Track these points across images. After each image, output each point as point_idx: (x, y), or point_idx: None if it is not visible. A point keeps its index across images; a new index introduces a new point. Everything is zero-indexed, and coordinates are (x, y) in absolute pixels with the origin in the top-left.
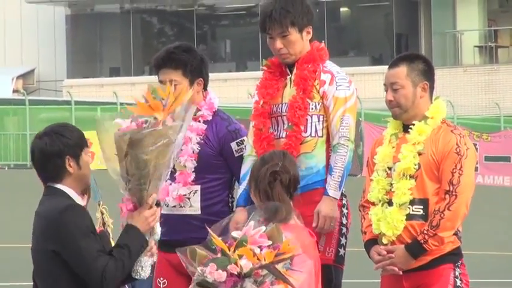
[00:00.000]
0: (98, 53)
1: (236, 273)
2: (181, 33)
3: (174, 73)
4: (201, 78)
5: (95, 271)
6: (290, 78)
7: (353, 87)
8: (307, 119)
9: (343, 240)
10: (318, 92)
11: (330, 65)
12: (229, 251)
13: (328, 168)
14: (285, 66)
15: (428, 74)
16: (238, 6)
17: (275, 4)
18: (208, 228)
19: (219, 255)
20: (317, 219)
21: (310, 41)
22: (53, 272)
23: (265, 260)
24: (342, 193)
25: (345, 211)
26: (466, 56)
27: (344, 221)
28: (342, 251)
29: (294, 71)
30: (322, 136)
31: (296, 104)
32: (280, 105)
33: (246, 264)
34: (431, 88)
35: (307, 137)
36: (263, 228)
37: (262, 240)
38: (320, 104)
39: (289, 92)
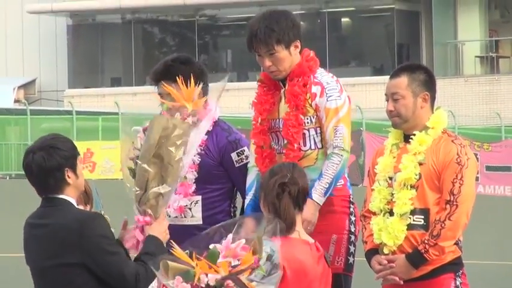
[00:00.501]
0: (100, 63)
1: (204, 285)
2: (183, 43)
3: (172, 86)
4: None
5: (129, 276)
6: (283, 92)
7: (344, 96)
8: (304, 134)
9: (352, 248)
10: (311, 106)
11: (320, 74)
12: (195, 261)
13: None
14: (278, 80)
15: (430, 85)
16: (240, 17)
17: (260, 23)
18: (172, 242)
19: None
20: None
21: (301, 49)
22: (75, 285)
23: (221, 271)
24: (349, 201)
25: (353, 219)
26: (467, 66)
27: (352, 229)
28: (351, 259)
29: (286, 85)
30: (321, 147)
31: (290, 122)
32: (277, 120)
33: (211, 277)
34: (433, 98)
35: (307, 150)
36: (243, 241)
37: (241, 253)
38: (315, 117)
39: (284, 107)
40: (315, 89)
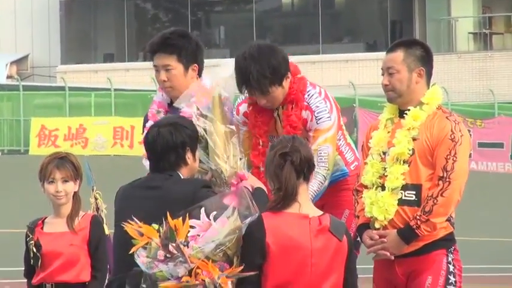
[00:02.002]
0: (92, 39)
1: (163, 258)
2: (176, 19)
3: (168, 58)
4: (196, 64)
5: None
6: (277, 114)
7: (334, 115)
8: None
9: None
10: (305, 129)
11: (309, 95)
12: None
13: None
14: None
15: (426, 60)
16: None
17: (251, 67)
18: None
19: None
20: None
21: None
22: None
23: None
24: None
25: None
26: (460, 42)
27: None
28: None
29: (280, 110)
30: None
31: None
32: (276, 138)
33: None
34: (429, 74)
35: None
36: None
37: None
38: (306, 136)
39: (281, 129)
40: (305, 114)
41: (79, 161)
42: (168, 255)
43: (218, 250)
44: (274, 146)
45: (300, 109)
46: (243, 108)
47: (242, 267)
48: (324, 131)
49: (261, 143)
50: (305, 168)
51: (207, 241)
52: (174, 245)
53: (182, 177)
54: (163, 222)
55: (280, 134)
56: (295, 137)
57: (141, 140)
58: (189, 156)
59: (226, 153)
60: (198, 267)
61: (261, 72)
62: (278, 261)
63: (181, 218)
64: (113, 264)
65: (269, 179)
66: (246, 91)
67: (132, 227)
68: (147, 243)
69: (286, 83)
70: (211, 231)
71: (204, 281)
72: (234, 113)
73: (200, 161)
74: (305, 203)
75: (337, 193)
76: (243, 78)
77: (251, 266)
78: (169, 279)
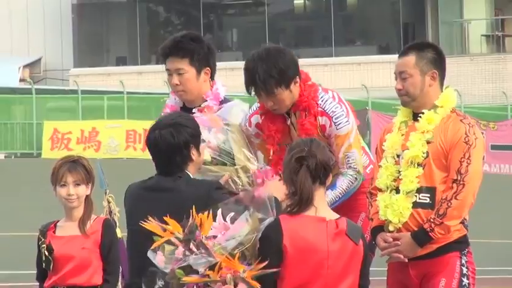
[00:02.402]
0: (105, 42)
1: (182, 256)
2: (188, 22)
3: (181, 62)
4: (208, 68)
5: None
6: (291, 122)
7: (351, 118)
8: None
9: None
10: (324, 135)
11: (323, 101)
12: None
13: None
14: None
15: (438, 63)
16: None
17: (258, 66)
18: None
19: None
20: None
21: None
22: None
23: (175, 232)
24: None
25: None
26: (473, 45)
27: None
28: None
29: (292, 115)
30: None
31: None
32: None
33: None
34: (442, 77)
35: None
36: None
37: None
38: (326, 142)
39: (296, 136)
40: (323, 121)
41: (92, 164)
42: (187, 252)
43: (237, 250)
44: (292, 148)
45: (313, 116)
46: (255, 119)
47: (266, 263)
48: (346, 137)
49: (271, 153)
50: (321, 173)
51: (228, 238)
52: (195, 242)
53: (192, 177)
54: (184, 219)
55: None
56: (314, 140)
57: None
58: (193, 152)
59: (251, 153)
60: (221, 264)
61: (267, 72)
62: (295, 264)
63: (206, 213)
64: (128, 268)
65: (285, 182)
66: (253, 93)
67: (154, 224)
68: (166, 241)
69: (294, 88)
70: (233, 228)
71: (227, 276)
72: (246, 124)
73: (209, 163)
74: (321, 207)
75: (354, 196)
76: (250, 78)
77: (269, 268)
78: (188, 275)
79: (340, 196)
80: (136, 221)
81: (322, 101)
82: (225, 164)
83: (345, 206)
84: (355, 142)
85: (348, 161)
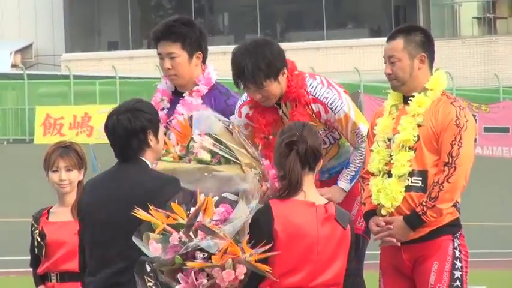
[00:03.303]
0: (96, 27)
1: (177, 242)
2: (179, 6)
3: (173, 46)
4: (200, 52)
5: None
6: (282, 112)
7: (345, 98)
8: (323, 140)
9: None
10: (320, 122)
11: (312, 88)
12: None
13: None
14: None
15: (427, 46)
16: None
17: (246, 59)
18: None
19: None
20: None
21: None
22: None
23: (179, 218)
24: None
25: None
26: (464, 27)
27: None
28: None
29: (283, 106)
30: (340, 137)
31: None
32: None
33: (175, 236)
34: (431, 59)
35: (329, 146)
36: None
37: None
38: (327, 125)
39: None
40: (317, 108)
41: (84, 149)
42: (184, 238)
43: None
44: (283, 132)
45: (302, 106)
46: (245, 110)
47: (270, 245)
48: (347, 117)
49: (260, 147)
50: (310, 159)
51: (226, 223)
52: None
53: (150, 166)
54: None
55: None
56: (306, 124)
57: None
58: (151, 138)
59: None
60: (227, 248)
61: (255, 65)
62: (285, 249)
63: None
64: (89, 262)
65: (275, 165)
66: (242, 86)
67: (159, 212)
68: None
69: (282, 79)
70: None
71: (227, 261)
72: (236, 115)
73: (209, 162)
74: (310, 192)
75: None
76: (239, 72)
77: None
78: (185, 264)
79: (356, 170)
80: (92, 215)
81: (311, 88)
82: (227, 161)
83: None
84: (357, 118)
85: (358, 136)
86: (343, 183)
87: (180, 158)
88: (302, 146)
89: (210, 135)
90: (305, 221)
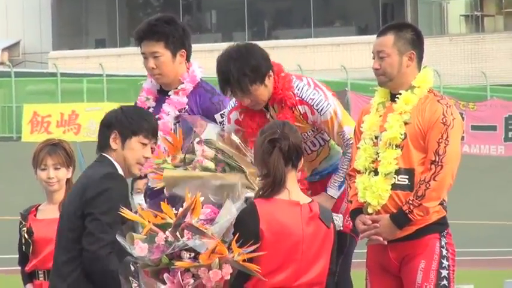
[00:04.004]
0: (84, 25)
1: (164, 242)
2: (167, 4)
3: (156, 45)
4: (184, 50)
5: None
6: (270, 115)
7: (331, 100)
8: (312, 141)
9: None
10: (307, 123)
11: (299, 89)
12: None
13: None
14: None
15: (417, 44)
16: None
17: (230, 65)
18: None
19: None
20: None
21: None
22: (75, 234)
23: (167, 218)
24: None
25: None
26: (452, 25)
27: None
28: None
29: (270, 108)
30: (329, 140)
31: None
32: None
33: (160, 236)
34: (420, 58)
35: (318, 148)
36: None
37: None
38: (314, 127)
39: None
40: (303, 109)
41: (72, 147)
42: (170, 238)
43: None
44: (264, 131)
45: (289, 108)
46: (234, 116)
47: (258, 245)
48: (333, 119)
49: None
50: (293, 156)
51: (213, 223)
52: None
53: (115, 165)
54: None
55: None
56: (286, 123)
57: None
58: (115, 140)
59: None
60: (215, 248)
61: (240, 71)
62: (270, 248)
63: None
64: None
65: (257, 164)
66: (229, 93)
67: (147, 211)
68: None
69: (269, 82)
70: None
71: (214, 261)
72: (225, 122)
73: (214, 170)
74: (294, 190)
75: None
76: (225, 79)
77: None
78: (172, 263)
79: (344, 176)
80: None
81: (298, 89)
82: (232, 169)
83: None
84: (344, 119)
85: (343, 138)
86: (332, 190)
87: (187, 164)
88: (285, 143)
89: (209, 142)
90: (290, 220)
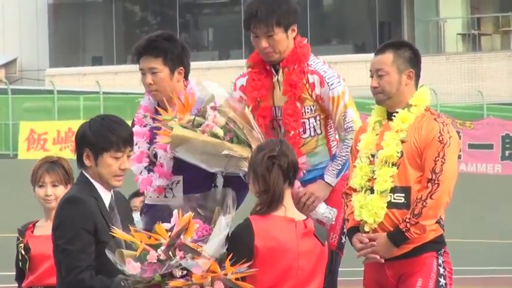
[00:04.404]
0: (81, 42)
1: (156, 261)
2: (164, 21)
3: (154, 61)
4: (182, 67)
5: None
6: (277, 79)
7: (342, 80)
8: (304, 122)
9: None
10: (311, 96)
11: (314, 62)
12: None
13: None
14: (270, 66)
15: (415, 62)
16: None
17: (260, 3)
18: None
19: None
20: (303, 192)
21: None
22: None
23: (160, 238)
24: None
25: None
26: (449, 43)
27: None
28: (343, 239)
29: (280, 72)
30: (321, 133)
31: (289, 111)
32: (273, 108)
33: (152, 255)
34: (417, 76)
35: (307, 137)
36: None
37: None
38: (315, 105)
39: (280, 95)
40: (312, 79)
41: (70, 164)
42: (162, 256)
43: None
44: (262, 148)
45: (302, 70)
46: (240, 82)
47: (250, 263)
48: (340, 97)
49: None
50: (291, 173)
51: (207, 241)
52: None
53: (87, 182)
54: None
55: (276, 103)
56: (283, 141)
57: None
58: (88, 158)
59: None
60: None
61: (270, 8)
62: (266, 265)
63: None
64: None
65: (254, 180)
66: (251, 29)
67: (140, 233)
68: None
69: (290, 35)
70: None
71: (206, 279)
72: (232, 89)
73: (222, 138)
74: (290, 207)
75: (337, 193)
76: (253, 13)
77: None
78: (164, 281)
79: (342, 164)
80: None
81: (313, 61)
82: (240, 142)
83: (330, 202)
84: (349, 102)
85: (345, 120)
86: (330, 178)
87: (196, 126)
88: (284, 160)
89: (222, 111)
90: (285, 237)
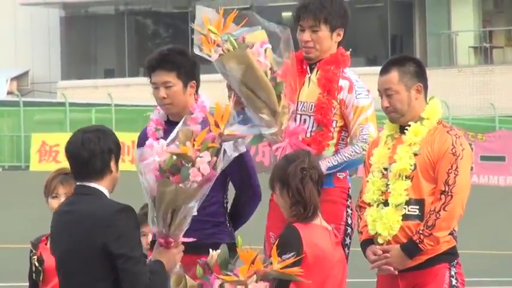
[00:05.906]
0: (93, 55)
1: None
2: (176, 34)
3: (167, 75)
4: (194, 81)
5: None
6: (309, 77)
7: (371, 96)
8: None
9: (347, 240)
10: (335, 98)
11: (349, 71)
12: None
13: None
14: (306, 64)
15: (421, 75)
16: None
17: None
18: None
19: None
20: None
21: (339, 44)
22: (95, 274)
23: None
24: (347, 194)
25: (350, 211)
26: (461, 56)
27: (349, 221)
28: (346, 251)
29: (315, 70)
30: (333, 139)
31: (323, 105)
32: (297, 103)
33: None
34: (426, 88)
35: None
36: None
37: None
38: (336, 109)
39: (307, 91)
40: (343, 83)
41: None
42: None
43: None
44: (292, 159)
45: (334, 73)
46: None
47: (299, 257)
48: (364, 109)
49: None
50: (320, 184)
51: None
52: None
53: (107, 195)
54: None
55: (301, 98)
56: (309, 153)
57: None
58: (112, 165)
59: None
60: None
61: (322, 3)
62: (312, 271)
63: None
64: None
65: (283, 192)
66: (298, 21)
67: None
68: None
69: (334, 38)
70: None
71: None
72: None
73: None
74: (321, 217)
75: (322, 206)
76: (304, 5)
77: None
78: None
79: (340, 162)
80: (56, 247)
81: (348, 70)
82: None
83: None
84: (372, 117)
85: (362, 131)
86: (323, 164)
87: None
88: (314, 172)
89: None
90: (325, 245)
